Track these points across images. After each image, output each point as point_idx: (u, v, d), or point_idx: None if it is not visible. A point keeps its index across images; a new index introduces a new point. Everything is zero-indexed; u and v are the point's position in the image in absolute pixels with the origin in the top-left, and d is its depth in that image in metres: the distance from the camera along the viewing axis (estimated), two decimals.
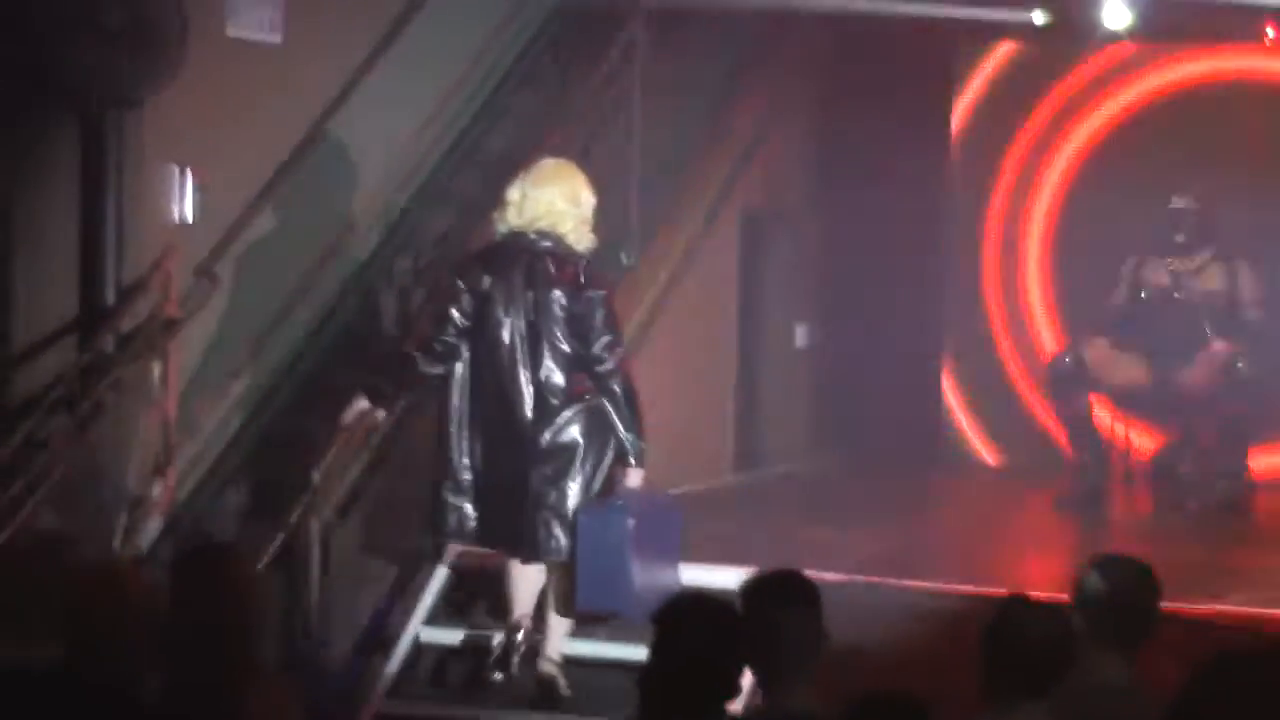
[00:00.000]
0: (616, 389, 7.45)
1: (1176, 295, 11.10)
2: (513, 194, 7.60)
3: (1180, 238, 11.13)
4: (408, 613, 8.24)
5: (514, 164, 8.45)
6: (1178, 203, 11.19)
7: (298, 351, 9.78)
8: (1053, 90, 12.99)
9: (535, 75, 11.50)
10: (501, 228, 7.62)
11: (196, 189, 9.20)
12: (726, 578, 7.46)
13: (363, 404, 7.77)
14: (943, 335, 13.25)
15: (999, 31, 12.73)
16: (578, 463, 7.45)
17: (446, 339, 7.59)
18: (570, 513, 7.43)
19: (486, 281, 7.53)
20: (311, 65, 9.83)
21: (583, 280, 7.47)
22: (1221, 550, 9.74)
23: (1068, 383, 11.17)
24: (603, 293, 7.52)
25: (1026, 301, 13.18)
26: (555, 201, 7.55)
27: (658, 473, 8.19)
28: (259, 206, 9.47)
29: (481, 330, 7.54)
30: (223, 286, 9.23)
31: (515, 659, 7.59)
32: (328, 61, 9.97)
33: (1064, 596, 5.44)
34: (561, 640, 7.66)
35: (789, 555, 7.02)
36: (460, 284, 7.61)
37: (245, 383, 9.56)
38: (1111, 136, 12.89)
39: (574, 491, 7.44)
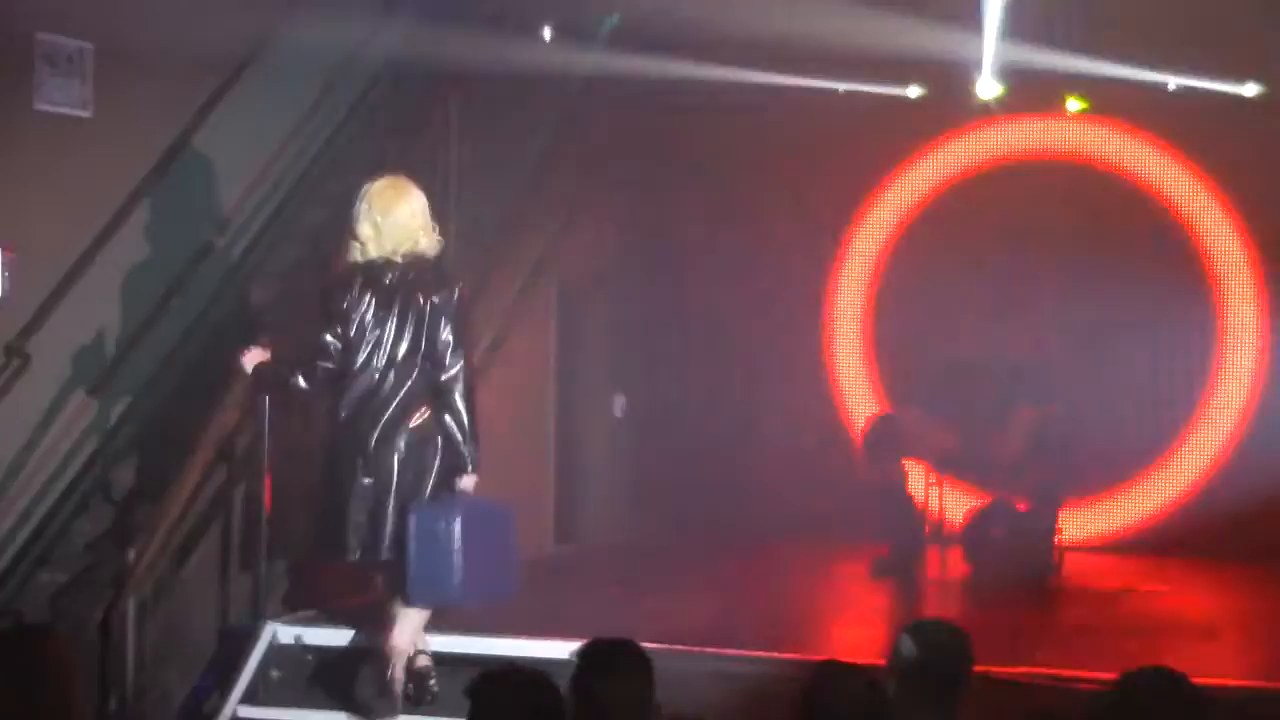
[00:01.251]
0: (458, 395, 7.46)
1: (986, 362, 11.31)
2: (365, 229, 7.53)
3: (992, 304, 11.37)
4: (226, 690, 8.14)
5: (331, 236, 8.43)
6: (988, 268, 11.46)
7: (112, 430, 9.66)
8: (883, 158, 13.18)
9: (353, 147, 11.49)
10: (359, 257, 7.56)
11: (5, 265, 9.07)
12: (544, 649, 7.48)
13: (260, 352, 7.78)
14: (764, 404, 13.36)
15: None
16: (408, 472, 7.45)
17: (324, 364, 7.55)
18: (393, 518, 7.43)
19: (349, 304, 7.51)
20: (122, 140, 9.74)
21: (437, 290, 7.49)
22: (1032, 611, 9.90)
23: (881, 449, 11.31)
24: (454, 297, 7.52)
25: (844, 368, 13.34)
26: (407, 220, 7.55)
27: None
28: (70, 283, 9.36)
29: (348, 353, 7.52)
30: (35, 365, 9.11)
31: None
32: (139, 136, 9.90)
33: (879, 661, 5.51)
34: (418, 631, 7.65)
35: (607, 626, 7.02)
36: (330, 309, 7.57)
37: (59, 461, 9.43)
38: (927, 207, 13.11)
39: (399, 500, 7.44)
